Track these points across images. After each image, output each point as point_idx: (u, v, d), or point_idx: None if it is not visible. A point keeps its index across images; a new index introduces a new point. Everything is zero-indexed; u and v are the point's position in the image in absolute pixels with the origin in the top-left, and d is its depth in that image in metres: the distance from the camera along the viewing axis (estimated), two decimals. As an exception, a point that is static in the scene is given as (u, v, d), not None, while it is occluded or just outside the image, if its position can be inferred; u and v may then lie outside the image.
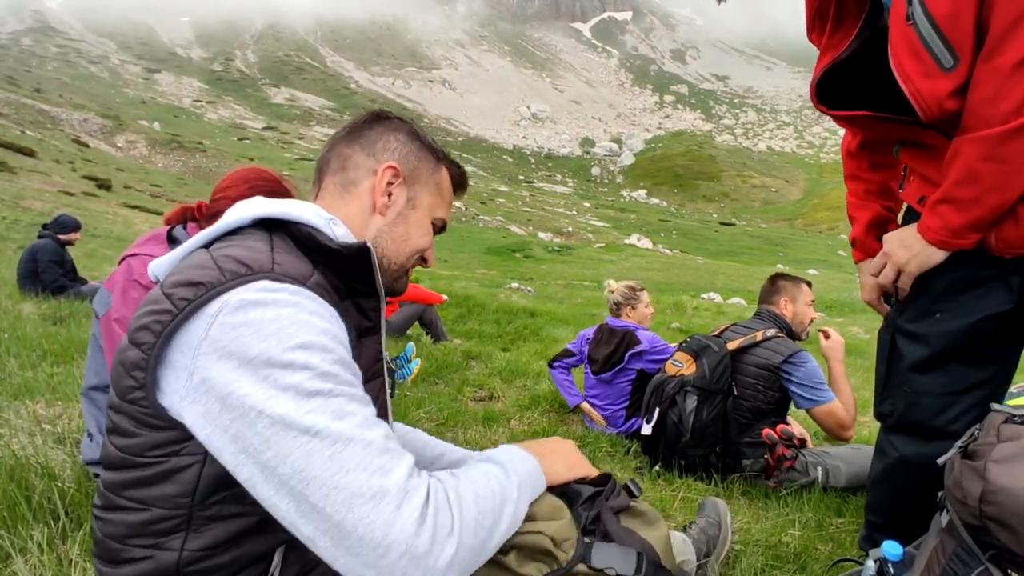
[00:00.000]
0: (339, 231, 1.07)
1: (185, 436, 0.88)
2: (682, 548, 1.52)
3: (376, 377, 1.15)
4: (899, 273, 1.49)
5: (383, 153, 1.17)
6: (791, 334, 2.85)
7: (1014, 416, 1.14)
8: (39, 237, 6.52)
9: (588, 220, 70.74)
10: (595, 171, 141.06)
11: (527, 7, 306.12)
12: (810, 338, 3.00)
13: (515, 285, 15.81)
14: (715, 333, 2.92)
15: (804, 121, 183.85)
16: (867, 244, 1.75)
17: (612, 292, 3.64)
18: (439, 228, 1.26)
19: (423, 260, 1.24)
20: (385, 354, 1.20)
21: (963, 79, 1.21)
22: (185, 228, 2.03)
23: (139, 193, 30.26)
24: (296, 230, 1.02)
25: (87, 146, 46.72)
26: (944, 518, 1.20)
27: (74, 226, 6.73)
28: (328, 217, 1.07)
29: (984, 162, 1.22)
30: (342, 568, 0.80)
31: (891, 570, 1.30)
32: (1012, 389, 1.43)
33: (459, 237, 39.16)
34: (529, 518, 1.03)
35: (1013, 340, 1.44)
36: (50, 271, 6.16)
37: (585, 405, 3.54)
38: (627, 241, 53.09)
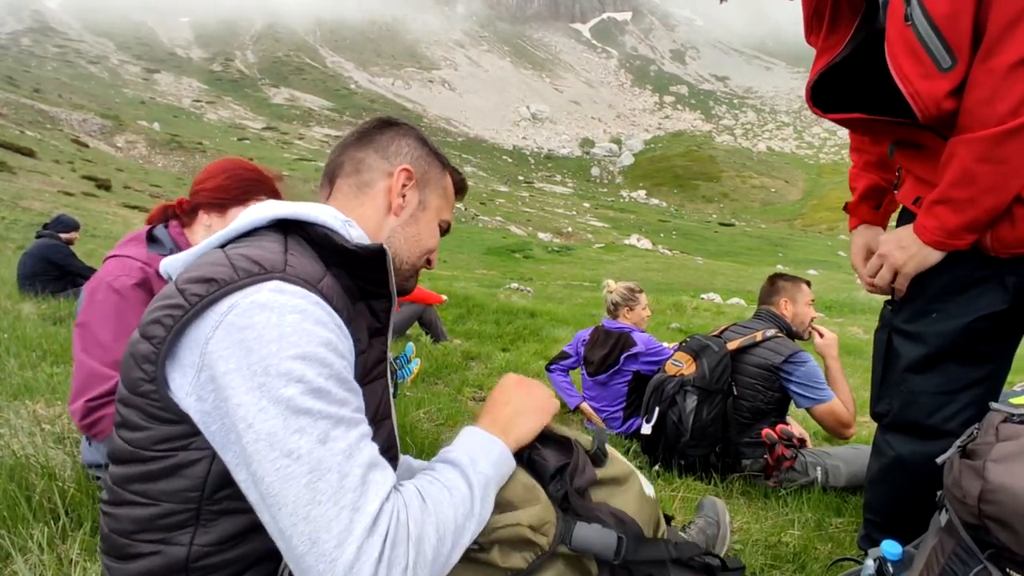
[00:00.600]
0: (354, 233, 1.09)
1: (194, 430, 0.89)
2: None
3: (380, 377, 1.16)
4: (896, 274, 1.49)
5: (396, 156, 1.21)
6: (791, 334, 2.85)
7: (1013, 415, 1.14)
8: (38, 237, 6.53)
9: (588, 220, 70.73)
10: (595, 171, 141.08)
11: (526, 7, 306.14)
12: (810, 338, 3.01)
13: (515, 285, 15.81)
14: (715, 333, 2.93)
15: (804, 122, 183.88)
16: (860, 210, 1.76)
17: (611, 292, 3.64)
18: (444, 230, 1.31)
19: (427, 262, 1.27)
20: (389, 354, 1.21)
21: (961, 79, 1.21)
22: (167, 227, 1.98)
23: (139, 193, 30.24)
24: (312, 231, 1.04)
25: (86, 146, 46.69)
26: (943, 517, 1.21)
27: (75, 226, 6.79)
28: (344, 219, 1.09)
29: (980, 163, 1.23)
30: None
31: (890, 569, 1.30)
32: (1015, 387, 1.43)
33: (459, 237, 39.14)
34: (507, 506, 1.03)
35: (1008, 339, 1.45)
36: (71, 263, 6.26)
37: (585, 406, 3.54)
38: (627, 241, 53.08)
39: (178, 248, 1.92)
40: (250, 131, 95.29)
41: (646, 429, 2.79)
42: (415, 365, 4.21)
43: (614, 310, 3.60)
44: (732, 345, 2.71)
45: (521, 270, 28.38)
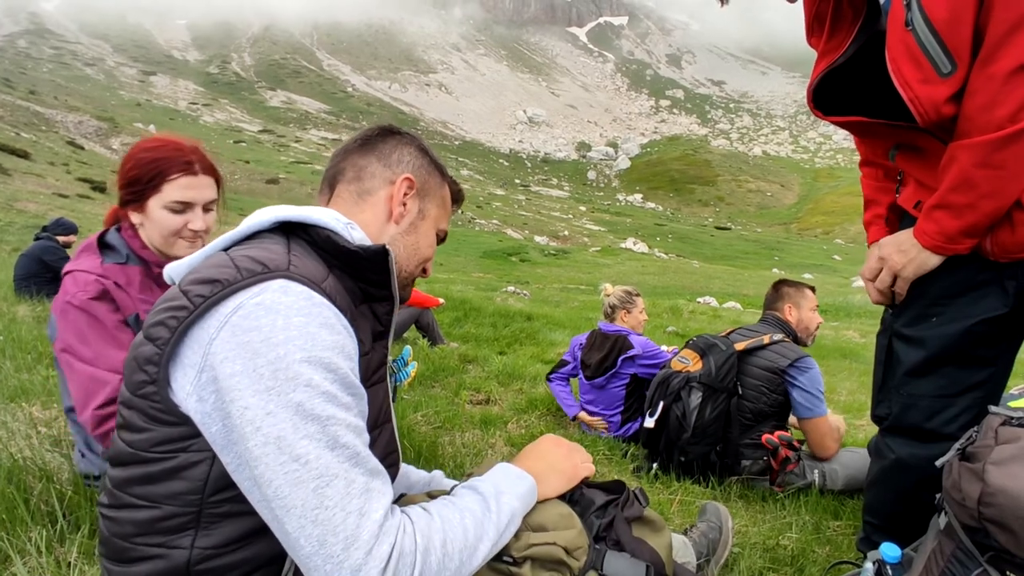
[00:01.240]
0: (356, 235, 1.09)
1: (194, 432, 0.89)
2: (683, 550, 1.53)
3: (381, 381, 1.17)
4: (896, 278, 1.50)
5: (399, 165, 1.21)
6: (796, 339, 2.87)
7: (1012, 418, 1.15)
8: (36, 239, 6.53)
9: (584, 224, 70.86)
10: (591, 175, 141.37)
11: (523, 12, 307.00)
12: (814, 343, 3.04)
13: (511, 289, 15.80)
14: (721, 335, 2.95)
15: (799, 126, 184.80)
16: (873, 229, 1.73)
17: (608, 296, 3.66)
18: (441, 239, 1.32)
19: (423, 271, 1.28)
20: (389, 357, 1.22)
21: (961, 84, 1.22)
22: (119, 231, 1.89)
23: (134, 195, 30.08)
24: (315, 233, 1.04)
25: (82, 148, 46.57)
26: (942, 520, 1.21)
27: (73, 229, 6.85)
28: (346, 221, 1.09)
29: (979, 168, 1.23)
30: None
31: (889, 572, 1.31)
32: (1013, 391, 1.44)
33: (455, 241, 39.15)
34: (540, 528, 1.05)
35: (1008, 343, 1.46)
36: (63, 265, 6.21)
37: (583, 415, 3.54)
38: (623, 245, 53.21)
39: (133, 251, 1.84)
40: (246, 134, 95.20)
41: (649, 423, 2.79)
42: (412, 368, 4.20)
43: (611, 313, 3.61)
44: (739, 346, 2.72)
45: (518, 273, 28.42)
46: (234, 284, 0.89)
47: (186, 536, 0.92)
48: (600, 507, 1.19)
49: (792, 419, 2.81)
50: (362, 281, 1.07)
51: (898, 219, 1.66)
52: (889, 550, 1.32)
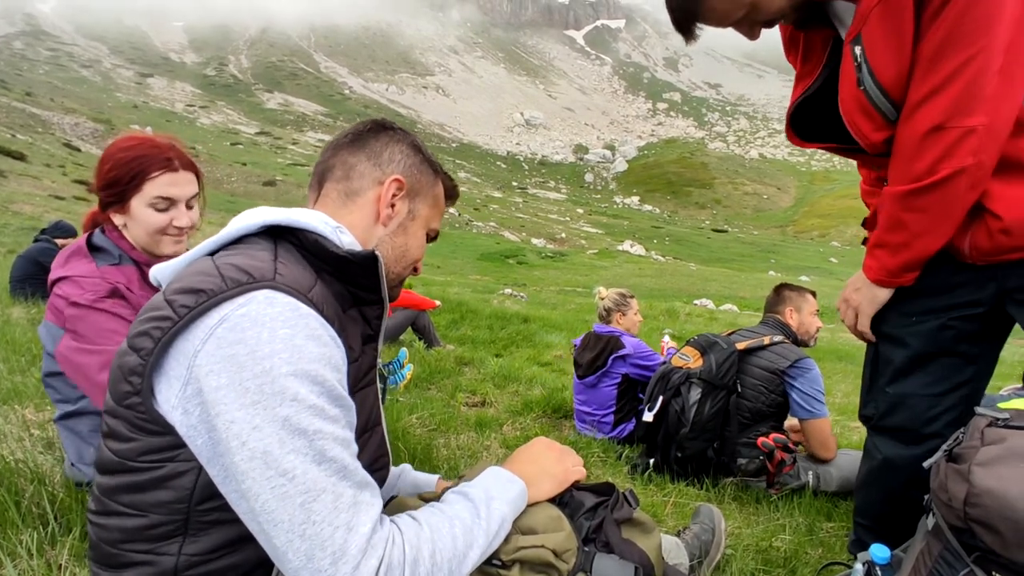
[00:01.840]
0: (346, 239, 1.07)
1: (179, 442, 0.88)
2: (675, 552, 1.54)
3: (370, 384, 1.16)
4: (858, 316, 1.58)
5: (389, 164, 1.17)
6: (797, 342, 2.89)
7: (998, 419, 1.16)
8: (35, 241, 6.52)
9: (581, 226, 70.94)
10: (588, 178, 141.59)
11: (521, 14, 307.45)
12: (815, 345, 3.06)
13: (508, 291, 15.83)
14: (722, 335, 2.96)
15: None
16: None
17: (603, 299, 3.69)
18: (431, 238, 1.29)
19: (414, 269, 1.26)
20: (379, 360, 1.21)
21: None
22: (104, 232, 1.85)
23: (130, 197, 30.04)
24: (303, 237, 1.02)
25: (78, 150, 46.45)
26: (930, 521, 1.22)
27: (72, 232, 6.82)
28: (335, 225, 1.08)
29: (906, 212, 1.35)
30: None
31: (879, 573, 1.31)
32: (1003, 392, 1.45)
33: (452, 243, 39.16)
34: (530, 530, 1.05)
35: (990, 341, 1.50)
36: None
37: None
38: (620, 247, 53.29)
39: (123, 252, 1.83)
40: (243, 136, 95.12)
41: (648, 417, 2.80)
42: (408, 370, 4.21)
43: (606, 315, 3.63)
44: (740, 346, 2.74)
45: (515, 276, 28.44)
46: (219, 294, 0.87)
47: (174, 543, 0.91)
48: (590, 509, 1.19)
49: (789, 422, 2.82)
50: (351, 285, 1.06)
51: None
52: (879, 551, 1.33)
